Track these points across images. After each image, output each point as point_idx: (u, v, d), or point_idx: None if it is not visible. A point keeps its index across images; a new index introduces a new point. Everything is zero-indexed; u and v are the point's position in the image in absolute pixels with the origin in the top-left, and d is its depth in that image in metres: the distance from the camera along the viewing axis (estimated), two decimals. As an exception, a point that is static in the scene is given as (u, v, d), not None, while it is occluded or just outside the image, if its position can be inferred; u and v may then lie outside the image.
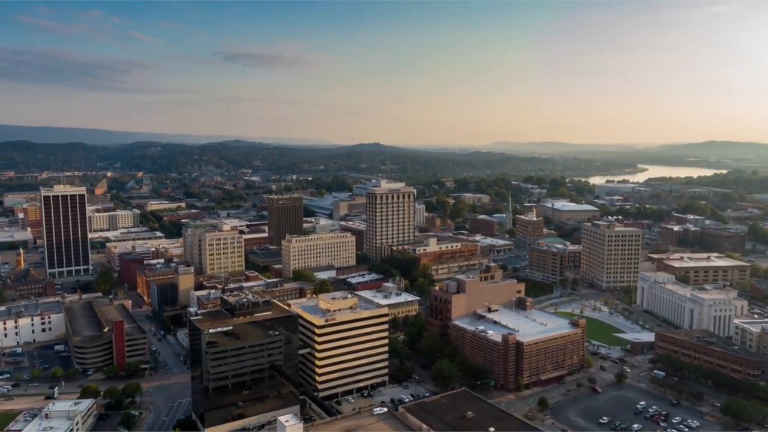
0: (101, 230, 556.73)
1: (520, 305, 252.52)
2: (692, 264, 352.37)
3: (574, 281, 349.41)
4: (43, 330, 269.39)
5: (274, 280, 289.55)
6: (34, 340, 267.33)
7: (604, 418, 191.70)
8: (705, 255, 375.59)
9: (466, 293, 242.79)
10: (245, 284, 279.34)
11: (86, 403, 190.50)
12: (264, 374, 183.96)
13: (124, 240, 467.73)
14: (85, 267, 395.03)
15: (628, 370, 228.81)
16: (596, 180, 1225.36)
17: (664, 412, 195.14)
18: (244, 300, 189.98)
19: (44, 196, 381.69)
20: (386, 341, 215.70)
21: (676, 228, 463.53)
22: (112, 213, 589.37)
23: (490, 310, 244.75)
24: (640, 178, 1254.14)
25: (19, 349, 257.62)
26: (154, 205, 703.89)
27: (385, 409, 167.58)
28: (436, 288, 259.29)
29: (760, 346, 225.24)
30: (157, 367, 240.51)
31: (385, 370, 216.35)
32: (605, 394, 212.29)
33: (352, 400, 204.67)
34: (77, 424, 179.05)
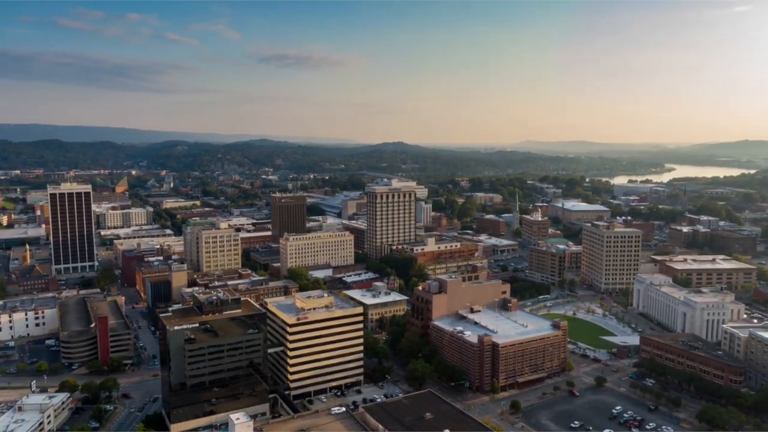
0: (114, 227, 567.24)
1: (504, 306, 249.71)
2: (695, 266, 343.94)
3: (572, 282, 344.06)
4: (37, 325, 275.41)
5: (260, 278, 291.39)
6: (28, 334, 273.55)
7: (576, 422, 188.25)
8: (710, 257, 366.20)
9: (447, 293, 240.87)
10: (230, 282, 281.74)
11: (60, 397, 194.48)
12: (234, 372, 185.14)
13: (131, 237, 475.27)
14: (91, 263, 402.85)
15: (607, 375, 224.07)
16: (619, 180, 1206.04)
17: (638, 418, 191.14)
18: (214, 298, 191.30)
19: (51, 194, 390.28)
20: (361, 341, 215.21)
21: (685, 229, 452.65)
22: (126, 210, 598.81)
23: (472, 311, 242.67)
24: (666, 178, 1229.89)
25: (11, 343, 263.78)
26: (169, 203, 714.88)
27: (344, 409, 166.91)
28: (419, 288, 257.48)
29: (747, 351, 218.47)
30: (141, 362, 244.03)
31: (360, 370, 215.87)
32: (583, 397, 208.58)
33: (325, 399, 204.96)
34: (48, 417, 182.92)
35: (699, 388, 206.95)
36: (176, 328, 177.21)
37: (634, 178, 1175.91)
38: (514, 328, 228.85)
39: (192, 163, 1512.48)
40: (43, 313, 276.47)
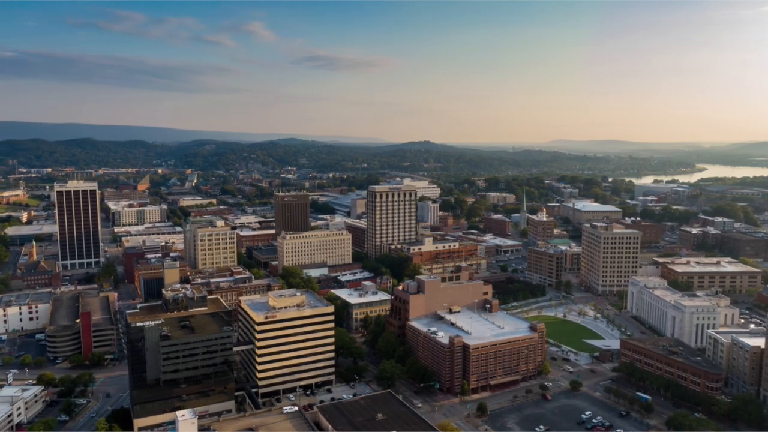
0: (129, 224, 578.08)
1: (485, 307, 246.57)
2: (697, 269, 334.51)
3: (568, 284, 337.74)
4: (31, 319, 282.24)
5: (244, 276, 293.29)
6: (22, 328, 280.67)
7: (541, 426, 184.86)
8: (715, 260, 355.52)
9: (425, 293, 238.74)
10: (212, 280, 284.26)
11: (33, 390, 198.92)
12: (199, 370, 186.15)
13: (141, 234, 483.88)
14: (96, 260, 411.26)
15: (585, 379, 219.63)
16: (646, 180, 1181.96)
17: (607, 423, 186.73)
18: (180, 296, 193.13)
19: (57, 192, 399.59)
20: (332, 340, 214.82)
21: (694, 231, 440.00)
22: (140, 208, 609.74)
23: (451, 312, 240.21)
24: (695, 178, 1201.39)
25: (4, 337, 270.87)
26: (186, 201, 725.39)
27: (296, 408, 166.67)
28: (399, 288, 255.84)
29: (729, 358, 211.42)
30: (122, 358, 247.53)
31: (332, 369, 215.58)
32: (555, 401, 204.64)
33: (293, 397, 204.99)
34: (18, 409, 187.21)
35: (676, 395, 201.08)
36: (138, 324, 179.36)
37: (659, 178, 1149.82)
38: (491, 329, 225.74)
39: (217, 161, 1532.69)
40: (36, 307, 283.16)
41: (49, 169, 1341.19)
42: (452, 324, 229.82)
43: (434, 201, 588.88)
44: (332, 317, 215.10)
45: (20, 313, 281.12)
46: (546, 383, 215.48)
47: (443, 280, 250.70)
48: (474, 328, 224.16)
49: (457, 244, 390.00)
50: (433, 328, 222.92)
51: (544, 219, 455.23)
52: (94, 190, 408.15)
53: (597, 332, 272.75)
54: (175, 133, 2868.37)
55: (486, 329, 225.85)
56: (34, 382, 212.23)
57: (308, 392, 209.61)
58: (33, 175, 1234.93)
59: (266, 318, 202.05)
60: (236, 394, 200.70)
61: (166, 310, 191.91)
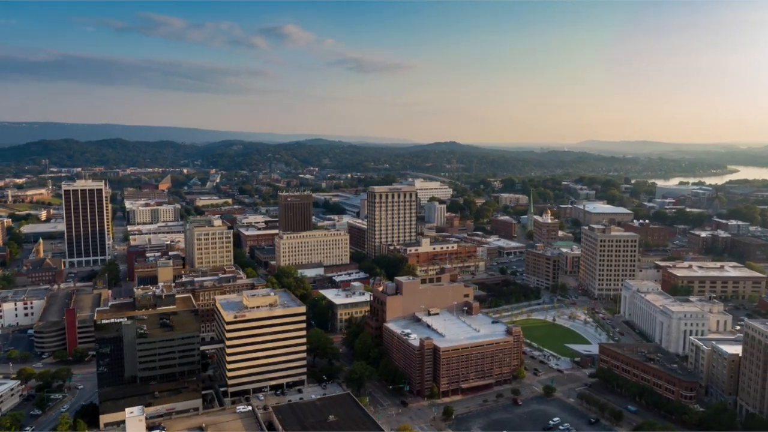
0: (143, 223, 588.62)
1: (466, 310, 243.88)
2: (698, 273, 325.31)
3: (563, 287, 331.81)
4: (26, 315, 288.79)
5: (228, 275, 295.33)
6: (17, 323, 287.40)
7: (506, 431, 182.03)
8: (718, 264, 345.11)
9: (403, 295, 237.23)
10: (197, 279, 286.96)
11: (10, 384, 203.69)
12: (168, 368, 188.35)
13: (150, 233, 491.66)
14: (102, 257, 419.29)
15: (562, 384, 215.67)
16: (673, 181, 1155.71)
17: (573, 430, 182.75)
18: (149, 294, 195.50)
19: (65, 191, 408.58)
20: (303, 340, 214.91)
21: (703, 234, 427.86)
22: (155, 207, 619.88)
23: (429, 314, 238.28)
24: (724, 179, 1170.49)
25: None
26: (202, 201, 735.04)
27: (249, 408, 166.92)
28: (378, 289, 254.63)
29: (709, 366, 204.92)
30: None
31: (303, 370, 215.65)
32: (525, 407, 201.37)
33: (263, 397, 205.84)
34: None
35: (650, 402, 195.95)
36: (104, 321, 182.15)
37: (686, 179, 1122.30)
38: (466, 332, 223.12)
39: (242, 162, 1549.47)
40: (31, 303, 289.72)
41: (79, 169, 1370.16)
42: (428, 326, 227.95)
43: (441, 202, 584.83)
44: (304, 317, 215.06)
45: (15, 309, 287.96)
46: (520, 388, 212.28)
47: (423, 281, 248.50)
48: (449, 331, 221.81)
49: (455, 246, 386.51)
50: (407, 330, 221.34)
51: (549, 221, 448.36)
52: (101, 189, 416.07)
53: (585, 337, 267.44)
54: (205, 134, 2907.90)
55: (462, 332, 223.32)
56: (15, 376, 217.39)
57: (279, 392, 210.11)
58: (62, 175, 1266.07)
59: (235, 317, 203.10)
60: (206, 392, 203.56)
61: (135, 308, 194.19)
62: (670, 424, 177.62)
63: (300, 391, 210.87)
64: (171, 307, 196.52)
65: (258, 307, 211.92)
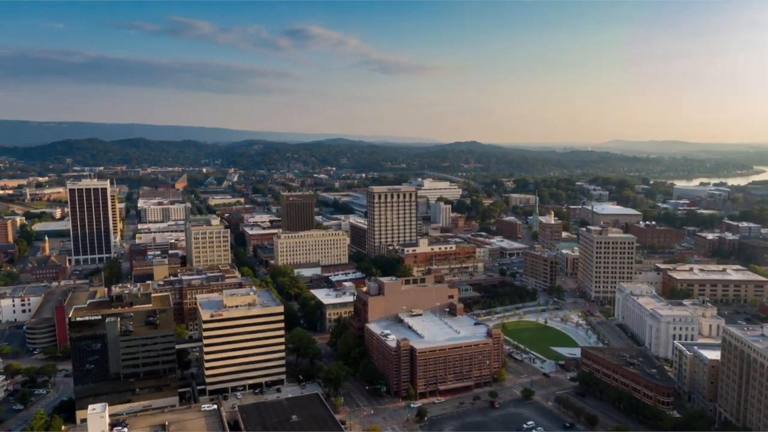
0: (154, 221, 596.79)
1: (449, 311, 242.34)
2: (699, 276, 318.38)
3: (559, 289, 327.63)
4: (24, 311, 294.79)
5: (217, 274, 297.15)
6: (15, 319, 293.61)
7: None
8: (721, 267, 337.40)
9: (385, 296, 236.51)
10: (186, 277, 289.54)
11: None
12: (146, 367, 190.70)
13: (159, 232, 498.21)
14: (108, 255, 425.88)
15: (544, 387, 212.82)
16: (695, 182, 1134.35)
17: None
18: (125, 293, 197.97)
19: (70, 189, 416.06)
20: (282, 340, 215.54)
21: (710, 236, 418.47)
22: (166, 206, 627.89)
23: (412, 315, 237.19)
24: (747, 180, 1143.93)
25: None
26: (215, 200, 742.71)
27: (215, 407, 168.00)
28: (362, 289, 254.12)
29: (692, 371, 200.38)
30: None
31: (282, 369, 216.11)
32: (502, 410, 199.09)
33: (240, 396, 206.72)
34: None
35: (628, 407, 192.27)
36: (78, 319, 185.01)
37: (707, 180, 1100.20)
38: (447, 333, 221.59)
39: (261, 161, 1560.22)
40: (29, 300, 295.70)
41: (101, 168, 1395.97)
42: (409, 327, 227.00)
43: (447, 202, 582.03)
44: (282, 317, 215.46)
45: (13, 305, 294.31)
46: (500, 391, 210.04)
47: (407, 282, 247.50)
48: (429, 332, 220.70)
49: (454, 246, 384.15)
50: (387, 331, 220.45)
51: (552, 222, 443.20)
52: (105, 188, 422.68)
53: (575, 340, 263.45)
54: (228, 134, 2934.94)
55: (442, 333, 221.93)
56: (2, 371, 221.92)
57: (257, 391, 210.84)
58: (84, 174, 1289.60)
59: (211, 316, 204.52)
60: (184, 390, 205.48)
61: (111, 306, 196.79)
62: (644, 429, 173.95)
63: (279, 390, 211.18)
64: (147, 305, 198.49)
65: (237, 306, 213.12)
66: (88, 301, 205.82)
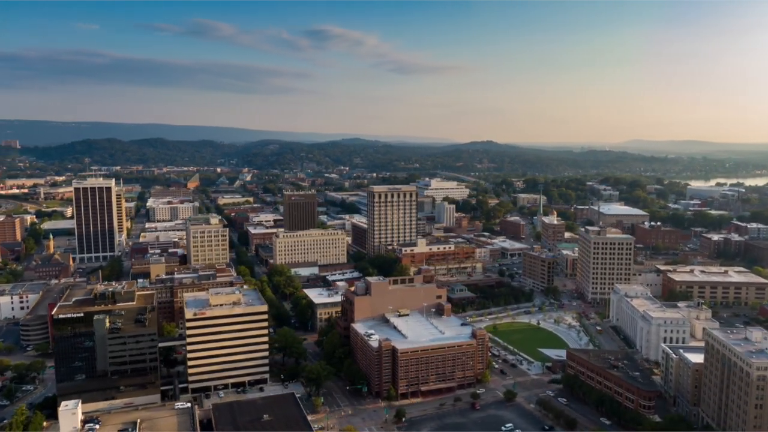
0: (162, 220, 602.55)
1: (435, 311, 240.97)
2: (699, 278, 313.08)
3: (555, 290, 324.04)
4: (22, 308, 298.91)
5: (208, 272, 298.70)
6: (14, 316, 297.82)
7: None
8: (723, 269, 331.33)
9: (371, 295, 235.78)
10: (177, 275, 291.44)
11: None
12: (128, 364, 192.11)
13: (166, 231, 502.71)
14: (111, 253, 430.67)
15: (528, 389, 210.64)
16: (712, 182, 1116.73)
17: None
18: (108, 291, 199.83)
19: (75, 188, 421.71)
20: (265, 339, 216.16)
21: (715, 237, 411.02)
22: (174, 205, 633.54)
23: (399, 315, 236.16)
24: (766, 180, 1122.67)
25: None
26: (224, 200, 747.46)
27: (188, 405, 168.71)
28: (349, 289, 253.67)
29: (677, 375, 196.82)
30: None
31: (266, 368, 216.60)
32: (483, 412, 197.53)
33: (223, 394, 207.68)
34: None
35: (610, 411, 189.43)
36: (60, 316, 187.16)
37: (725, 180, 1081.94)
38: (431, 334, 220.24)
39: (275, 161, 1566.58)
40: (27, 297, 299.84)
41: (118, 167, 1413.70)
42: (395, 327, 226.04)
43: (451, 202, 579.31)
44: (265, 316, 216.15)
45: (12, 302, 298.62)
46: (484, 392, 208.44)
47: (395, 282, 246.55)
48: (414, 332, 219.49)
49: (452, 246, 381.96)
50: (371, 331, 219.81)
51: (555, 222, 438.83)
52: (110, 188, 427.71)
53: (566, 341, 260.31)
54: (245, 134, 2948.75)
55: (427, 333, 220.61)
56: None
57: (240, 390, 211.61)
58: (101, 173, 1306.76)
59: (194, 315, 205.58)
60: (167, 388, 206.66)
61: (94, 303, 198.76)
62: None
63: (261, 389, 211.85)
64: (130, 303, 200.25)
65: (221, 305, 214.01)
66: (74, 299, 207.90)
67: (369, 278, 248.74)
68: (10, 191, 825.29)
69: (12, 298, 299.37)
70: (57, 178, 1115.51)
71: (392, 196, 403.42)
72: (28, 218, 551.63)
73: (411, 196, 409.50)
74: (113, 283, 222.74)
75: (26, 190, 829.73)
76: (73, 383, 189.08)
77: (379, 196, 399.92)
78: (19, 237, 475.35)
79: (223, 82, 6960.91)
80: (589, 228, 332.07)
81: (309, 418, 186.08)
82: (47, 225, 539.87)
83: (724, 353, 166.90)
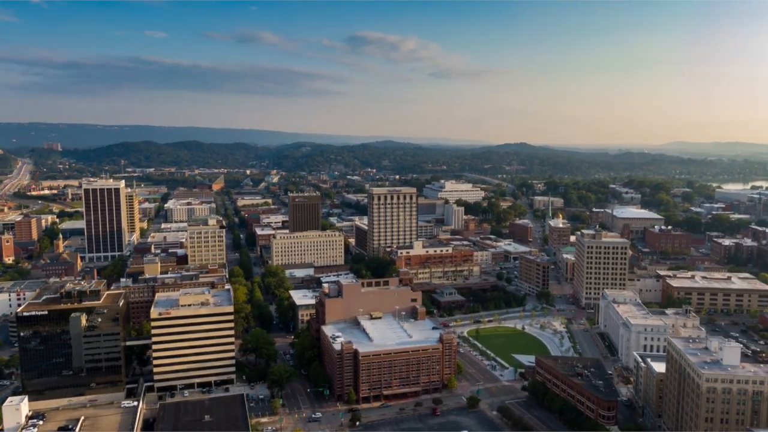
0: (179, 221, 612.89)
1: (405, 314, 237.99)
2: (698, 284, 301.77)
3: (548, 295, 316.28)
4: (19, 305, 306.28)
5: (191, 273, 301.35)
6: (11, 313, 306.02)
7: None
8: (726, 275, 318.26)
9: (343, 298, 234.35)
10: (160, 275, 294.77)
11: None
12: (92, 362, 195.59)
13: (174, 231, 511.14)
14: (120, 253, 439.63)
15: (495, 396, 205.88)
16: (749, 185, 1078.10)
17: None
18: (76, 289, 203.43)
19: (84, 189, 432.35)
20: (232, 340, 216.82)
21: (726, 242, 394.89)
22: (190, 206, 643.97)
23: (371, 317, 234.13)
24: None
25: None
26: (243, 201, 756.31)
27: (135, 404, 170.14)
28: (323, 291, 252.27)
29: (645, 384, 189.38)
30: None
31: (232, 369, 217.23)
32: (442, 417, 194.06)
33: (187, 393, 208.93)
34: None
35: (571, 420, 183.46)
36: (25, 314, 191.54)
37: (759, 183, 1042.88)
38: (398, 337, 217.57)
39: (305, 163, 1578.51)
40: (24, 294, 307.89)
41: (152, 169, 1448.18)
42: (363, 330, 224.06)
43: (461, 204, 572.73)
44: (231, 317, 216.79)
45: (9, 299, 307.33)
46: (449, 398, 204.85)
47: (368, 285, 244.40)
48: (381, 335, 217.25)
49: (450, 249, 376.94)
50: (338, 334, 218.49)
51: (561, 225, 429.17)
52: (119, 188, 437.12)
53: (548, 347, 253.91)
54: (280, 136, 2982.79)
55: (395, 337, 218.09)
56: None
57: (205, 389, 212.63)
58: (135, 174, 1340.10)
59: (159, 314, 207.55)
60: (133, 386, 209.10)
61: (61, 302, 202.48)
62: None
63: (227, 390, 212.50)
64: (96, 302, 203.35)
65: (190, 305, 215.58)
66: (43, 297, 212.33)
67: (342, 280, 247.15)
68: (41, 192, 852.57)
69: (9, 295, 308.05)
70: (92, 179, 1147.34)
71: (392, 198, 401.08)
72: (49, 218, 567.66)
73: (411, 198, 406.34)
74: (82, 282, 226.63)
75: (56, 191, 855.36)
76: (38, 380, 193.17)
77: (379, 198, 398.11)
78: (35, 236, 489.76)
79: (262, 85, 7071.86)
80: (585, 232, 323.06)
81: (263, 420, 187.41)
82: (65, 225, 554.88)
83: (680, 363, 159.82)
